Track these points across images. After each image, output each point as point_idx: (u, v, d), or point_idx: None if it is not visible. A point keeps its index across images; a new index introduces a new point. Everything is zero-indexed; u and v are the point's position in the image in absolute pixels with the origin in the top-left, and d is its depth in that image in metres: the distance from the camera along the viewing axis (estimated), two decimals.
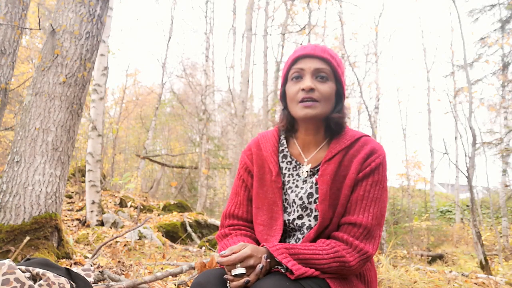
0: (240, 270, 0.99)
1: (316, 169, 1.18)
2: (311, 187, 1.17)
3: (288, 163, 1.23)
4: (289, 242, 1.20)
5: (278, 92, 1.28)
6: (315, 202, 1.16)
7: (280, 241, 1.18)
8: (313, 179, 1.18)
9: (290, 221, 1.19)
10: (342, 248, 1.07)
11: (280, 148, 1.25)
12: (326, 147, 1.20)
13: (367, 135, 1.20)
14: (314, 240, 1.13)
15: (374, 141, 1.18)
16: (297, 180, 1.20)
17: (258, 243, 1.23)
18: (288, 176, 1.21)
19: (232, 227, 1.27)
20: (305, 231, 1.16)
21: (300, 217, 1.17)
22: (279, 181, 1.20)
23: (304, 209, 1.17)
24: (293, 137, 1.25)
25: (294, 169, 1.22)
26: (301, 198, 1.17)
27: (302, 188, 1.18)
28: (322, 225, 1.12)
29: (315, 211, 1.16)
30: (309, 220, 1.16)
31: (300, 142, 1.23)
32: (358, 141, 1.17)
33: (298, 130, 1.22)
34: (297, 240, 1.18)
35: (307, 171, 1.19)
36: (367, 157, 1.14)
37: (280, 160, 1.24)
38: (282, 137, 1.27)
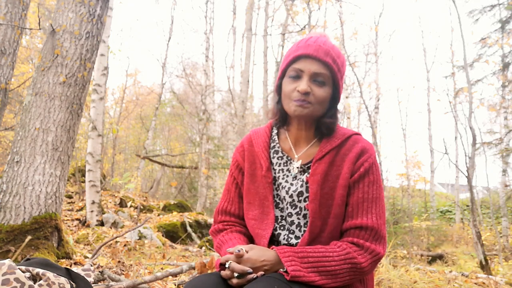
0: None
1: (306, 166, 1.19)
2: (301, 186, 1.16)
3: (279, 158, 1.23)
4: (279, 234, 1.19)
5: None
6: (304, 201, 1.16)
7: (272, 236, 1.19)
8: (303, 177, 1.17)
9: (283, 217, 1.19)
10: (353, 250, 1.07)
11: (272, 144, 1.26)
12: (317, 144, 1.21)
13: (358, 133, 1.20)
14: (309, 241, 1.12)
15: (365, 140, 1.18)
16: (288, 176, 1.20)
17: (251, 240, 1.25)
18: (279, 172, 1.21)
19: (225, 223, 1.28)
20: (295, 229, 1.17)
21: (289, 214, 1.18)
22: (270, 176, 1.20)
23: (294, 207, 1.17)
24: (285, 130, 1.26)
25: (285, 164, 1.22)
26: (291, 196, 1.17)
27: (292, 184, 1.18)
28: (314, 225, 1.12)
29: (304, 209, 1.16)
30: (298, 219, 1.16)
31: (292, 136, 1.23)
32: (349, 139, 1.18)
33: (291, 124, 1.23)
34: (289, 235, 1.17)
35: (297, 167, 1.19)
36: (358, 156, 1.14)
37: (271, 155, 1.24)
38: (274, 133, 1.27)
